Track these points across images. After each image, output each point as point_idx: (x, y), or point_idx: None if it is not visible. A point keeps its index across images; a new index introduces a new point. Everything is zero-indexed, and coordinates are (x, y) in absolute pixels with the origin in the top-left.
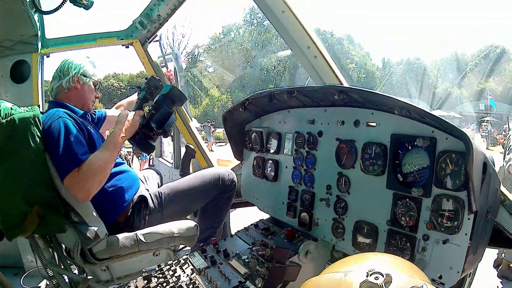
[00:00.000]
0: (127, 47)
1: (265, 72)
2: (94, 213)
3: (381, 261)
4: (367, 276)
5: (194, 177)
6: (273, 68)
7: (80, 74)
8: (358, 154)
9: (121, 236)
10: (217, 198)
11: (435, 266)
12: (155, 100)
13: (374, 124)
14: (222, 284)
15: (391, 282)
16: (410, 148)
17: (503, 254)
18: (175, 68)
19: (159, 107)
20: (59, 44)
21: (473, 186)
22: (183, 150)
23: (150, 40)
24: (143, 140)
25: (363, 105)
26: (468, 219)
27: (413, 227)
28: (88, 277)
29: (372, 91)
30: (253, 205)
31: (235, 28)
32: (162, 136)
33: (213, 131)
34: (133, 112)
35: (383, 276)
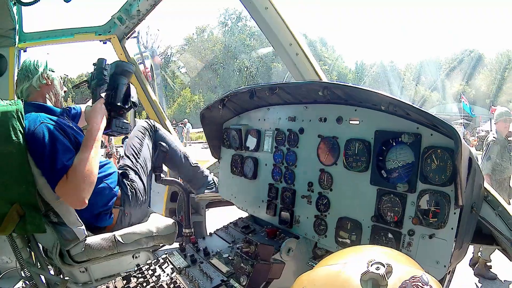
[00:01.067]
0: (105, 43)
1: (237, 73)
2: (74, 215)
3: (378, 253)
4: (367, 266)
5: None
6: (245, 69)
7: (49, 70)
8: (341, 150)
9: (100, 238)
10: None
11: (421, 260)
12: (108, 81)
13: (357, 121)
14: (204, 283)
15: (391, 272)
16: (394, 144)
17: (479, 253)
18: (151, 65)
19: (115, 85)
20: (36, 39)
21: (461, 181)
22: None
23: (128, 36)
24: (118, 122)
25: (346, 102)
26: (454, 213)
27: (398, 223)
28: (66, 278)
29: (358, 86)
30: (228, 204)
31: (209, 29)
32: (133, 108)
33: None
34: (96, 102)
35: (384, 266)
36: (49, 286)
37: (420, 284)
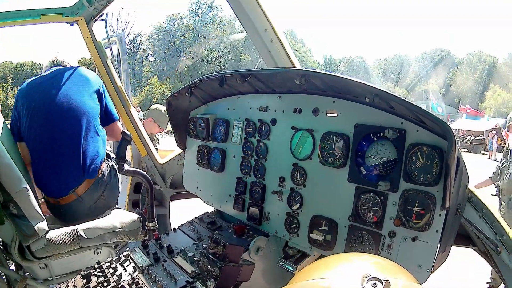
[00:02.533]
0: (72, 25)
1: (206, 63)
2: (36, 207)
3: (369, 263)
4: (362, 283)
5: None
6: (214, 59)
7: None
8: (317, 144)
9: (61, 232)
10: None
11: (403, 264)
12: None
13: (335, 114)
14: (168, 284)
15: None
16: (375, 139)
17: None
18: (118, 50)
19: None
20: (1, 19)
21: (451, 182)
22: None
23: (96, 18)
24: None
25: (323, 93)
26: (440, 215)
27: (378, 223)
28: (26, 274)
29: (341, 76)
30: (194, 196)
31: (179, 18)
32: None
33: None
34: None
35: (381, 282)
36: (8, 282)
37: None
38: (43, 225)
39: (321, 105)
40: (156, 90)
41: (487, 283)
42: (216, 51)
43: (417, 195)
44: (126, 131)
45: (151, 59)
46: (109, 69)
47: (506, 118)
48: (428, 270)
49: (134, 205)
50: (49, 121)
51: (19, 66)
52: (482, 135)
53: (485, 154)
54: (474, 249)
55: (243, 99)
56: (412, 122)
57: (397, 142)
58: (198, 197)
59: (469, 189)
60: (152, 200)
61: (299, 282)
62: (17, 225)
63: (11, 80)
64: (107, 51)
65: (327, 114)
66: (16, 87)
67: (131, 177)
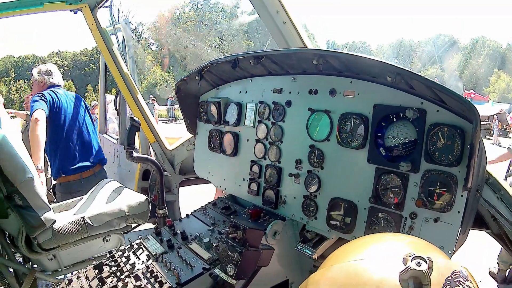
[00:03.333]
0: (76, 12)
1: (208, 50)
2: (42, 196)
3: (406, 243)
4: (404, 262)
5: None
6: (216, 46)
7: None
8: (334, 125)
9: (68, 222)
10: None
11: None
12: None
13: (353, 94)
14: (184, 272)
15: (432, 267)
16: (395, 120)
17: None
18: (123, 38)
19: None
20: (3, 9)
21: (475, 162)
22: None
23: (100, 5)
24: None
25: (340, 73)
26: (461, 196)
27: (399, 205)
28: (35, 267)
29: (361, 55)
30: (203, 182)
31: (181, 7)
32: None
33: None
34: None
35: (425, 261)
36: (17, 276)
37: (461, 280)
38: (49, 215)
39: (338, 86)
40: (159, 79)
41: (496, 263)
42: (219, 38)
43: (439, 176)
44: (134, 117)
45: (154, 47)
46: (115, 56)
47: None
48: (450, 252)
49: (143, 192)
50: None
51: (20, 59)
52: (487, 120)
53: (490, 139)
54: (487, 232)
55: (256, 81)
56: (432, 102)
57: (417, 122)
58: (206, 183)
59: (487, 170)
60: (162, 186)
61: (335, 264)
62: (23, 217)
63: (14, 74)
64: (113, 38)
65: (345, 95)
66: (18, 81)
67: (139, 164)
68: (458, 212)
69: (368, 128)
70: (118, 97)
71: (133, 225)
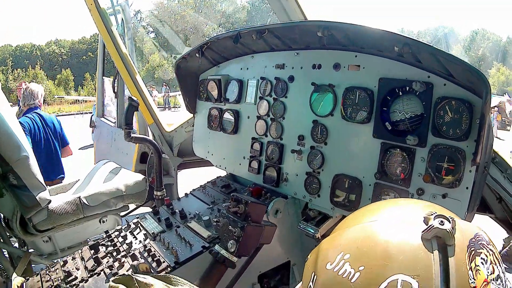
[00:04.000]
0: None
1: (206, 38)
2: (37, 175)
3: (423, 205)
4: (426, 221)
5: None
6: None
7: None
8: (338, 100)
9: (63, 202)
10: None
11: None
12: None
13: (358, 68)
14: (183, 250)
15: (455, 228)
16: (401, 94)
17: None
18: (122, 19)
19: None
20: None
21: (485, 134)
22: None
23: None
24: None
25: (344, 48)
26: (470, 171)
27: (405, 180)
28: (30, 250)
29: (367, 26)
30: (202, 165)
31: None
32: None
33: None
34: None
35: (448, 220)
36: (12, 260)
37: (484, 243)
38: (45, 194)
39: (342, 60)
40: (157, 66)
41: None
42: (218, 26)
43: (447, 150)
44: (132, 97)
45: (152, 35)
46: (114, 36)
47: None
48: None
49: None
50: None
51: (18, 48)
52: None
53: None
54: (490, 217)
55: (258, 57)
56: (439, 75)
57: (424, 96)
58: (205, 166)
59: (493, 149)
60: (160, 167)
61: (348, 228)
62: (18, 197)
63: (11, 63)
64: (112, 19)
65: (349, 69)
66: (16, 70)
67: (137, 147)
68: (467, 188)
69: (374, 102)
70: (116, 79)
71: (130, 207)
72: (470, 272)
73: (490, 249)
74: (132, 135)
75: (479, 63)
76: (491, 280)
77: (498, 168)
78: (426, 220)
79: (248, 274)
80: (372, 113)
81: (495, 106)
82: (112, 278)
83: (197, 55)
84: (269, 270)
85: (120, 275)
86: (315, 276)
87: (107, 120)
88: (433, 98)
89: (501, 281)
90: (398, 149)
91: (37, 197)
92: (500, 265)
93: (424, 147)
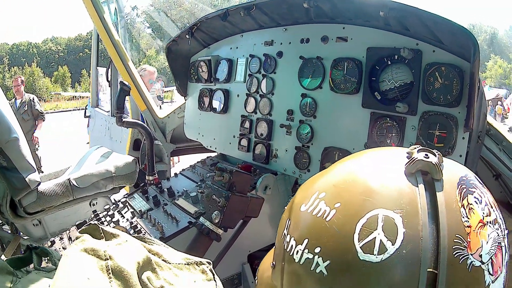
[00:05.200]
0: None
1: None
2: (27, 157)
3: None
4: (409, 156)
5: None
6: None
7: None
8: (327, 72)
9: (53, 184)
10: None
11: None
12: None
13: (346, 40)
14: (169, 226)
15: (443, 164)
16: (389, 63)
17: None
18: (115, 9)
19: None
20: None
21: (476, 94)
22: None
23: None
24: None
25: (332, 20)
26: (463, 138)
27: None
28: (21, 234)
29: None
30: (195, 152)
31: None
32: None
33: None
34: None
35: (434, 154)
36: (2, 244)
37: (477, 183)
38: (34, 176)
39: (330, 32)
40: (154, 61)
41: None
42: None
43: (438, 117)
44: (124, 81)
45: (148, 31)
46: (106, 23)
47: None
48: None
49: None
50: None
51: (15, 46)
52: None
53: None
54: None
55: (247, 36)
56: (428, 42)
57: (413, 63)
58: (198, 152)
59: (487, 121)
60: (152, 152)
61: (331, 168)
62: (7, 179)
63: (8, 61)
64: (105, 9)
65: (337, 41)
66: (13, 67)
67: (130, 134)
68: (460, 156)
69: (362, 72)
70: (109, 68)
71: (120, 187)
72: (462, 209)
73: (485, 192)
74: (123, 119)
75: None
76: (487, 222)
77: (493, 140)
78: (409, 154)
79: (237, 252)
80: (361, 83)
81: (494, 99)
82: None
83: (187, 36)
84: (260, 252)
85: (86, 225)
86: (289, 221)
87: (101, 109)
88: (422, 65)
89: (499, 226)
90: (387, 118)
91: (26, 179)
92: (497, 210)
93: (415, 115)
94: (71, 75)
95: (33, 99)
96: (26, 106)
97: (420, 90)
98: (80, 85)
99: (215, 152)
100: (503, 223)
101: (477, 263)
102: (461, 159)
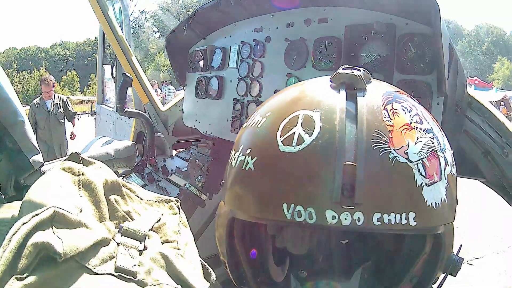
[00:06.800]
0: None
1: None
2: (32, 139)
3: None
4: (333, 77)
5: None
6: None
7: None
8: (309, 51)
9: (55, 165)
10: None
11: None
12: None
13: (326, 21)
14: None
15: (370, 80)
16: (366, 39)
17: None
18: (120, 8)
19: None
20: None
21: (443, 61)
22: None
23: None
24: None
25: (315, 3)
26: (438, 104)
27: None
28: None
29: None
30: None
31: None
32: None
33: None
34: None
35: (359, 70)
36: None
37: (409, 99)
38: (38, 157)
39: (312, 15)
40: (163, 66)
41: None
42: None
43: (412, 84)
44: (126, 73)
45: (157, 35)
46: (110, 20)
47: None
48: None
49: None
50: None
51: (23, 51)
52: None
53: None
54: (481, 181)
55: (239, 25)
56: (401, 17)
57: (387, 37)
58: (199, 140)
59: (469, 94)
60: (153, 140)
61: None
62: (12, 160)
63: (16, 65)
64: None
65: (318, 22)
66: (21, 72)
67: (133, 127)
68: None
69: (341, 49)
70: (115, 65)
71: (119, 170)
72: (384, 111)
73: (420, 108)
74: (125, 109)
75: (484, 58)
76: (417, 128)
77: (476, 112)
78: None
79: None
80: (341, 60)
81: (501, 101)
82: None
83: (184, 28)
84: None
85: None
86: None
87: (107, 106)
88: (396, 37)
89: (437, 140)
90: None
91: (30, 160)
92: (435, 126)
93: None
94: (80, 80)
95: (67, 101)
96: (61, 108)
97: (395, 61)
98: (89, 89)
99: (211, 137)
100: (444, 141)
101: (402, 159)
102: None
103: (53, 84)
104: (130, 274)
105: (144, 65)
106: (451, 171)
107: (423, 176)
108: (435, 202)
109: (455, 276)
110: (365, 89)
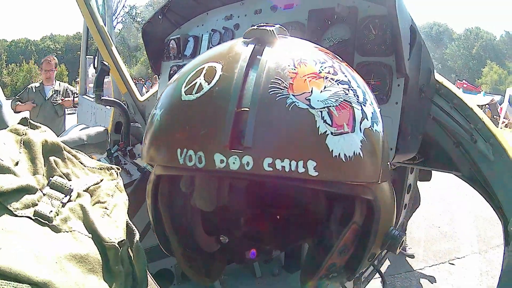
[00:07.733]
0: None
1: None
2: (9, 123)
3: None
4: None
5: None
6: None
7: None
8: None
9: None
10: None
11: None
12: None
13: (292, 7)
14: (123, 178)
15: (287, 36)
16: (329, 23)
17: None
18: (103, 1)
19: None
20: None
21: (403, 40)
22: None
23: None
24: None
25: None
26: (398, 85)
27: None
28: None
29: None
30: None
31: None
32: None
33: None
34: None
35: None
36: None
37: (322, 53)
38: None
39: (279, 1)
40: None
41: None
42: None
43: (372, 66)
44: (104, 62)
45: None
46: (92, 10)
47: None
48: (391, 149)
49: (115, 145)
50: None
51: (13, 43)
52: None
53: None
54: (456, 175)
55: (212, 14)
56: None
57: (350, 20)
58: None
59: (437, 80)
60: (128, 128)
61: None
62: None
63: (6, 58)
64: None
65: (284, 8)
66: (10, 64)
67: (111, 117)
68: (396, 103)
69: (305, 34)
70: (96, 55)
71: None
72: (290, 60)
73: (338, 62)
74: (102, 97)
75: (473, 62)
76: (328, 78)
77: (444, 98)
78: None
79: None
80: None
81: (487, 104)
82: None
83: (159, 17)
84: None
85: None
86: None
87: (88, 96)
88: (358, 19)
89: (353, 90)
90: None
91: None
92: (359, 82)
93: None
94: (69, 74)
95: (72, 90)
96: (61, 97)
97: (355, 43)
98: (77, 83)
99: None
100: (367, 97)
101: (302, 105)
102: (397, 106)
103: (56, 64)
104: (46, 219)
105: (133, 60)
106: (372, 126)
107: (329, 124)
108: (345, 154)
109: (395, 253)
110: (276, 43)
